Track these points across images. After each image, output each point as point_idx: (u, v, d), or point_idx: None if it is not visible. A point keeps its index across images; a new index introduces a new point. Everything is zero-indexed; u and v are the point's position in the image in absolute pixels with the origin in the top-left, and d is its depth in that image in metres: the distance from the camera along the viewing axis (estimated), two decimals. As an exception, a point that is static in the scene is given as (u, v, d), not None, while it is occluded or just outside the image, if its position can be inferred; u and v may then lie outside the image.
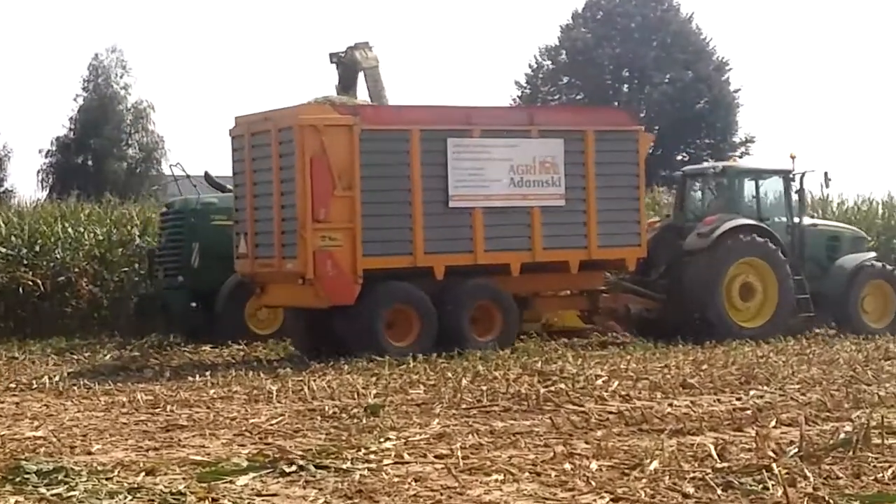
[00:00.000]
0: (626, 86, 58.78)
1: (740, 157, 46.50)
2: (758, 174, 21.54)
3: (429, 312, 17.91)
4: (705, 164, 21.57)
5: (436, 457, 9.01)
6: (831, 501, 7.19)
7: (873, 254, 22.47)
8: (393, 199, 17.90)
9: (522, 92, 60.38)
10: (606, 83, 58.67)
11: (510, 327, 18.65)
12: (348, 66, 21.63)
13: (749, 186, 21.32)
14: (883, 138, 75.67)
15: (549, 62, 60.17)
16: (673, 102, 55.20)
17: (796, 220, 21.37)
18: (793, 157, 21.44)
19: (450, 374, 14.76)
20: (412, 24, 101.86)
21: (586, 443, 9.59)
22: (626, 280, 20.28)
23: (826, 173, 21.55)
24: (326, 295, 17.46)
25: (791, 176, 21.43)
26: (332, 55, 21.74)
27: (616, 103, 57.46)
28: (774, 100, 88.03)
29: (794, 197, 21.46)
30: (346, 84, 21.57)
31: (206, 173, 23.38)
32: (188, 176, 22.76)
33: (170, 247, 21.79)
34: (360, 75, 21.51)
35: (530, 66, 60.38)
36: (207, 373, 15.64)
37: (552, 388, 13.01)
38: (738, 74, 73.79)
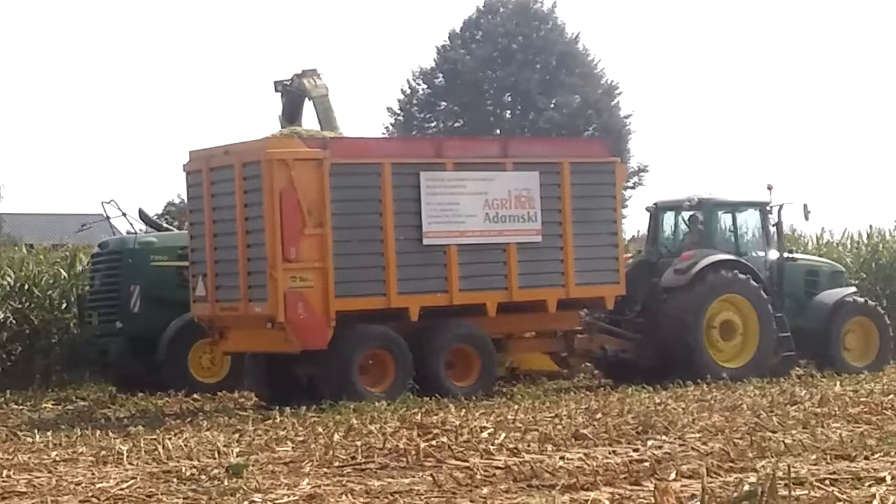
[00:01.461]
0: (508, 112, 59.34)
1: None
2: (734, 207, 22.07)
3: (404, 356, 18.31)
4: (679, 197, 22.15)
5: (306, 520, 8.94)
6: (737, 559, 7.28)
7: (853, 288, 23.22)
8: (365, 236, 18.29)
9: (396, 119, 60.58)
10: (488, 109, 59.19)
11: (489, 372, 19.07)
12: (294, 94, 21.98)
13: (725, 219, 21.93)
14: (781, 162, 77.42)
15: (424, 86, 60.46)
16: (560, 129, 55.82)
17: (775, 254, 21.90)
18: (770, 188, 22.07)
19: (320, 429, 14.68)
20: (270, 42, 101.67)
21: (471, 501, 9.59)
22: (601, 319, 20.59)
23: (805, 205, 22.10)
24: (298, 339, 17.70)
25: (769, 208, 21.98)
26: (276, 83, 22.13)
27: (498, 131, 57.98)
28: (668, 126, 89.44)
29: (772, 230, 22.05)
30: (291, 114, 21.96)
31: (140, 210, 23.49)
32: (124, 214, 22.81)
33: (105, 290, 21.70)
34: (307, 104, 21.67)
35: (403, 91, 60.63)
36: (49, 432, 15.36)
37: (433, 443, 12.99)
38: (628, 99, 74.89)
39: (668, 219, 22.35)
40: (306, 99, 21.82)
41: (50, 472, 12.09)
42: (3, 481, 11.56)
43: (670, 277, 20.74)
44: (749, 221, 22.11)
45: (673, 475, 10.45)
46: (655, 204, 22.61)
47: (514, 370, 21.27)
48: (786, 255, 22.37)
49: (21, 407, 19.62)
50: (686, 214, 22.08)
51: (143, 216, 23.52)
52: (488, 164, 19.21)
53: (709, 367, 20.18)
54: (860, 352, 22.00)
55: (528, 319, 19.71)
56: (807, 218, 22.26)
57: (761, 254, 21.82)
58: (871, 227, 30.47)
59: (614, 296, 20.01)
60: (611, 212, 20.13)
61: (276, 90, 22.15)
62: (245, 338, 18.62)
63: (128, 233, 22.72)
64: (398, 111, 60.52)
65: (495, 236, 19.07)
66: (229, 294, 18.41)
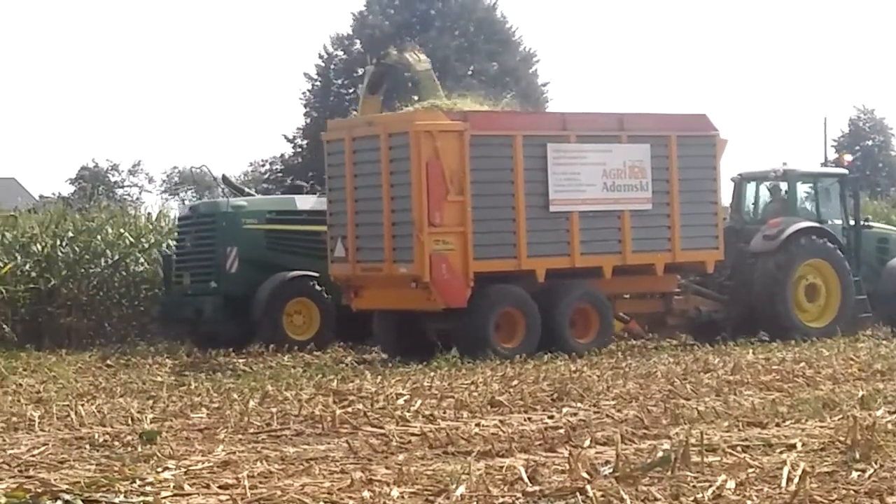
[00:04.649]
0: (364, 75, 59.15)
1: None
2: (815, 177, 23.91)
3: (534, 315, 19.66)
4: (762, 168, 23.82)
5: (220, 487, 8.91)
6: (650, 524, 7.35)
7: None
8: (499, 203, 19.67)
9: (313, 85, 60.26)
10: (406, 75, 58.98)
11: (606, 330, 20.53)
12: (385, 66, 23.56)
13: (806, 189, 23.50)
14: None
15: (341, 52, 60.16)
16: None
17: (851, 222, 23.45)
18: (845, 160, 24.04)
19: (235, 396, 14.63)
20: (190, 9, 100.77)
21: (387, 468, 9.60)
22: (693, 282, 22.15)
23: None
24: (440, 298, 19.13)
25: (846, 178, 23.71)
26: (371, 57, 23.86)
27: (416, 97, 57.81)
28: (585, 93, 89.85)
29: (849, 199, 23.62)
30: (376, 85, 23.50)
31: (224, 175, 25.07)
32: (215, 178, 23.75)
33: (198, 251, 22.71)
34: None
35: (321, 57, 60.30)
36: (-41, 399, 15.18)
37: (349, 409, 13.00)
38: (546, 67, 75.12)
39: (751, 189, 23.86)
40: (394, 71, 23.76)
41: (-40, 438, 11.95)
42: (-88, 448, 11.41)
43: (759, 243, 22.28)
44: (828, 191, 23.60)
45: (587, 442, 10.53)
46: (740, 175, 23.96)
47: None
48: (861, 223, 23.85)
49: (-70, 373, 19.32)
50: (769, 184, 23.63)
51: (226, 182, 24.86)
52: (606, 137, 20.58)
53: (796, 326, 21.81)
54: None
55: (637, 281, 21.34)
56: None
57: (839, 222, 23.35)
58: None
59: (714, 260, 21.50)
60: (712, 182, 21.56)
61: (370, 62, 23.76)
62: (381, 296, 20.08)
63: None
64: (315, 77, 60.20)
65: (611, 204, 20.47)
66: (371, 255, 19.83)
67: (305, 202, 23.53)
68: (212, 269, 22.46)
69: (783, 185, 23.53)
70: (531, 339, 19.53)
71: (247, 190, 24.21)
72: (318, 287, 22.31)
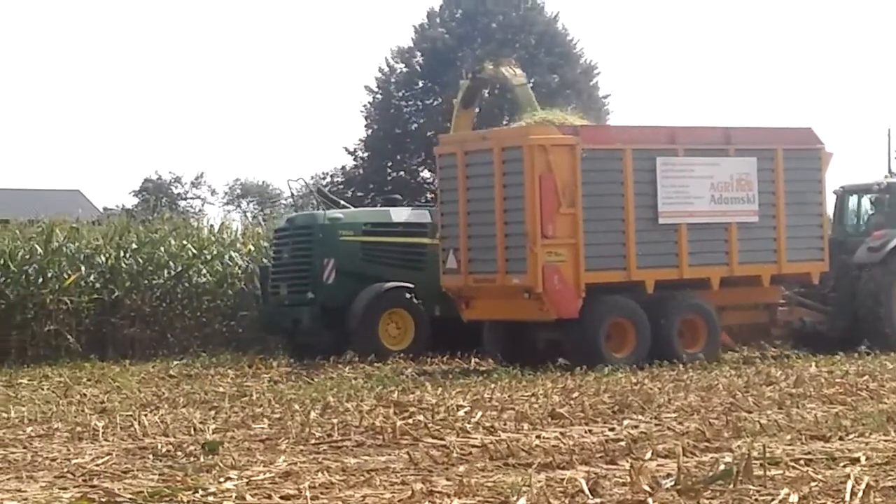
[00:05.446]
0: (486, 90, 59.15)
1: None
2: None
3: (644, 325, 20.00)
4: (865, 181, 24.14)
5: (282, 497, 8.93)
6: (712, 538, 7.30)
7: None
8: (609, 215, 20.07)
9: (374, 97, 60.42)
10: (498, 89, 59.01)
11: (714, 340, 20.72)
12: (481, 80, 24.26)
13: None
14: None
15: (402, 65, 60.29)
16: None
17: None
18: None
19: (297, 407, 14.67)
20: (251, 24, 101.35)
21: (447, 479, 9.59)
22: (797, 294, 22.42)
23: None
24: (552, 308, 19.51)
25: None
26: (467, 72, 24.50)
27: (477, 109, 57.83)
28: (646, 106, 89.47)
29: None
30: (471, 99, 24.21)
31: (319, 188, 25.26)
32: (311, 192, 24.33)
33: (295, 262, 23.23)
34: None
35: (381, 70, 60.44)
36: (24, 408, 15.32)
37: (410, 421, 13.00)
38: (607, 79, 74.91)
39: (853, 201, 24.06)
40: (489, 85, 24.77)
41: (25, 447, 12.06)
42: (-21, 456, 11.53)
43: (863, 255, 22.55)
44: None
45: (649, 454, 10.47)
46: (842, 187, 24.12)
47: None
48: None
49: (-4, 382, 19.53)
50: (873, 196, 23.74)
51: (321, 194, 25.55)
52: (714, 151, 20.95)
53: None
54: None
55: (743, 293, 21.51)
56: None
57: None
58: None
59: (819, 272, 21.76)
60: (817, 194, 21.86)
61: (465, 76, 24.23)
62: (493, 307, 20.46)
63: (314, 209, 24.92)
64: (376, 90, 60.35)
65: (719, 216, 20.81)
66: (484, 266, 20.23)
67: (400, 214, 24.04)
68: (309, 279, 22.91)
69: (886, 197, 23.51)
70: (641, 349, 19.85)
71: (342, 202, 24.65)
72: (412, 298, 22.74)
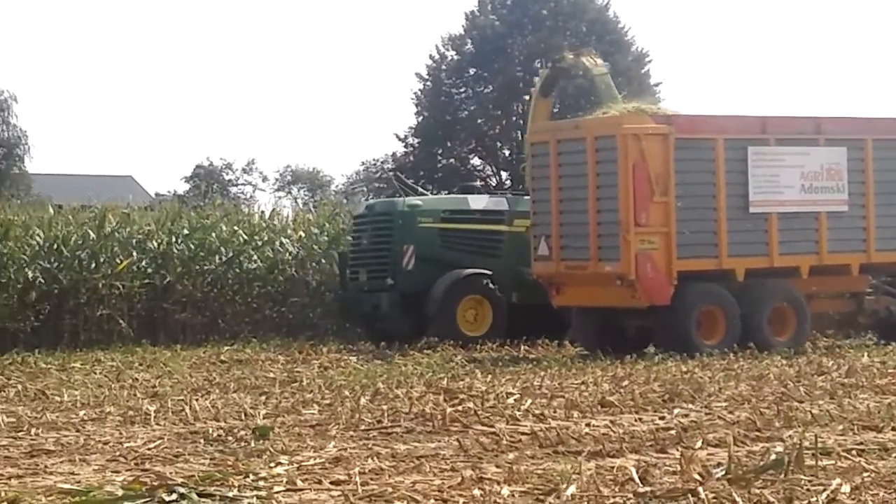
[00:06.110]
0: (537, 78, 59.03)
1: None
2: None
3: (734, 313, 20.16)
4: None
5: (332, 483, 8.96)
6: (762, 527, 7.27)
7: None
8: (701, 204, 20.26)
9: (424, 84, 60.45)
10: (517, 75, 58.95)
11: (803, 329, 20.87)
12: (559, 70, 24.40)
13: None
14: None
15: (453, 53, 60.27)
16: (588, 96, 55.53)
17: None
18: None
19: (347, 393, 14.71)
20: (303, 13, 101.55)
21: (497, 466, 9.59)
22: (884, 283, 22.38)
23: None
24: (645, 295, 19.74)
25: None
26: (546, 60, 24.60)
27: (527, 97, 57.74)
28: (697, 94, 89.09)
29: None
30: (548, 88, 24.37)
31: (397, 175, 25.57)
32: (411, 184, 25.07)
33: (374, 248, 23.54)
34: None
35: (432, 57, 60.45)
36: (77, 392, 15.44)
37: (459, 408, 13.01)
38: (658, 67, 74.58)
39: None
40: (568, 74, 24.50)
41: (78, 430, 12.16)
42: (32, 440, 11.64)
43: None
44: None
45: (699, 443, 10.44)
46: None
47: None
48: None
49: (49, 366, 19.69)
50: None
51: (400, 181, 25.71)
52: (804, 140, 21.07)
53: None
54: None
55: (831, 281, 21.67)
56: None
57: None
58: None
59: None
60: None
61: (545, 66, 24.47)
62: (584, 294, 20.68)
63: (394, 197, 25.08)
64: (426, 77, 60.37)
65: (809, 205, 20.93)
66: (576, 254, 20.51)
67: (478, 202, 24.24)
68: (388, 266, 23.17)
69: None
70: (731, 337, 19.96)
71: (420, 189, 25.00)
72: (490, 285, 22.96)
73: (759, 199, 20.55)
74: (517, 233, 23.22)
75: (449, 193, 26.93)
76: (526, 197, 23.39)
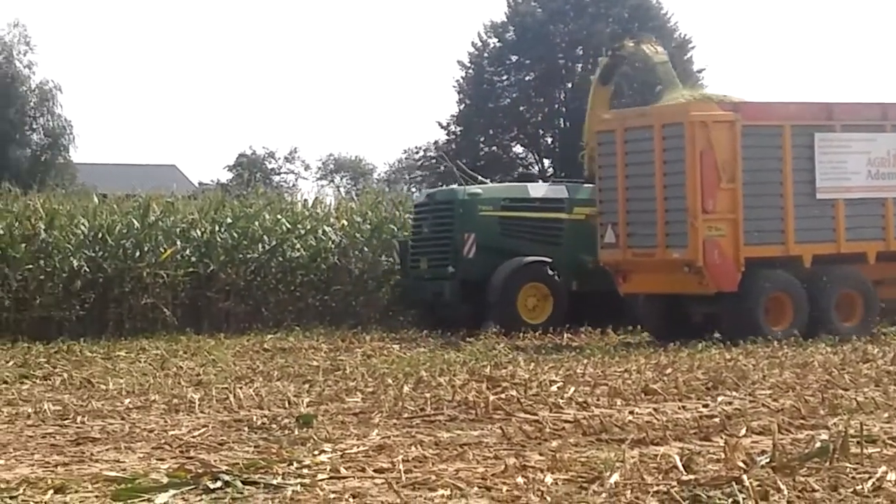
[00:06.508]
0: (580, 65, 58.96)
1: None
2: None
3: (801, 299, 20.35)
4: None
5: (375, 471, 8.98)
6: (807, 516, 7.24)
7: None
8: (768, 191, 20.40)
9: (466, 72, 60.42)
10: (559, 62, 58.87)
11: (870, 315, 21.01)
12: (619, 58, 24.77)
13: None
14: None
15: (495, 40, 60.22)
16: (631, 83, 55.38)
17: None
18: None
19: (390, 381, 14.73)
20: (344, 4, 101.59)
21: (540, 454, 9.59)
22: None
23: None
24: (713, 282, 19.94)
25: None
26: (606, 48, 25.29)
27: (569, 84, 57.67)
28: (740, 81, 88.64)
29: None
30: (608, 75, 24.70)
31: (458, 163, 27.01)
32: (456, 168, 26.04)
33: (435, 237, 23.85)
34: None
35: (474, 45, 60.42)
36: (122, 380, 15.53)
37: (502, 396, 13.01)
38: (701, 53, 74.21)
39: None
40: (627, 62, 25.03)
41: (123, 418, 12.23)
42: (78, 427, 11.71)
43: None
44: None
45: (743, 431, 10.40)
46: None
47: None
48: None
49: (95, 354, 19.80)
50: None
51: (461, 169, 26.07)
52: (870, 127, 21.21)
53: None
54: None
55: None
56: None
57: None
58: None
59: None
60: None
61: (605, 54, 24.88)
62: (651, 281, 20.92)
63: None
64: (469, 65, 60.34)
65: (875, 192, 21.11)
66: (643, 241, 20.73)
67: (538, 190, 24.49)
68: (449, 253, 23.43)
69: None
70: (798, 323, 20.10)
71: (480, 178, 25.46)
72: (551, 272, 23.12)
73: (826, 186, 20.65)
74: (576, 220, 23.55)
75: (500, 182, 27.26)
76: (585, 185, 23.68)
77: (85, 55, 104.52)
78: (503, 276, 22.87)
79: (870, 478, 8.14)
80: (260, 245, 26.28)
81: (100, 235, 24.88)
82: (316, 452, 9.68)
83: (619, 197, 20.99)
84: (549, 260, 23.26)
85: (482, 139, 60.61)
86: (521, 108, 60.34)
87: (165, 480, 8.67)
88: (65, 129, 59.01)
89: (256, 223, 26.67)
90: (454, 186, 25.04)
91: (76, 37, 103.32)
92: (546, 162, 60.26)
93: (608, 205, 21.31)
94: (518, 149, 61.93)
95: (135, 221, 25.28)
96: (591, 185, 23.36)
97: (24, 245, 24.22)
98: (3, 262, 23.94)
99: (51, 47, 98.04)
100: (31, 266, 23.99)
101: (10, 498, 8.21)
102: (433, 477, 8.62)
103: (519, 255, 23.28)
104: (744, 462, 8.60)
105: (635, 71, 25.56)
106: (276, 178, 74.32)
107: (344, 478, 8.74)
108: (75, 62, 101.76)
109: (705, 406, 12.26)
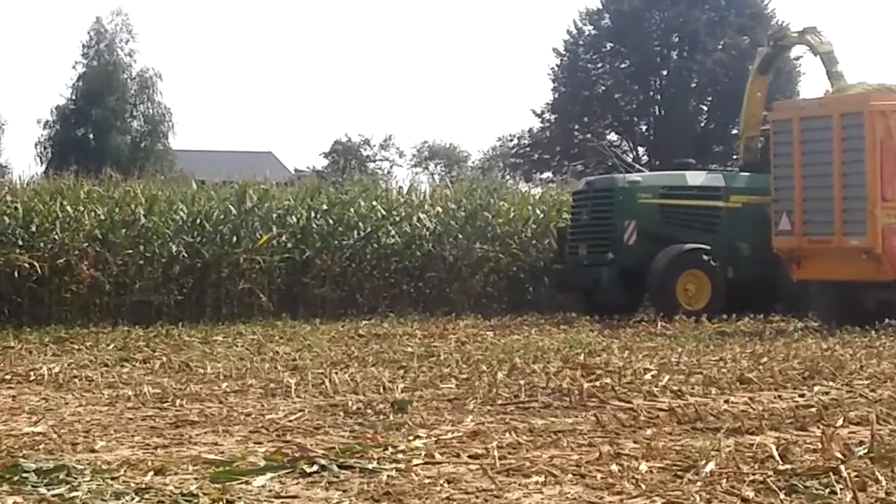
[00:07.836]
0: (675, 52, 58.61)
1: None
2: None
3: None
4: None
5: (470, 457, 8.99)
6: (906, 507, 7.15)
7: None
8: None
9: (561, 60, 60.29)
10: (654, 49, 58.55)
11: None
12: (780, 48, 25.32)
13: None
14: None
15: (590, 27, 60.05)
16: (727, 71, 55.00)
17: None
18: None
19: (484, 368, 14.74)
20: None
21: (635, 442, 9.54)
22: None
23: None
24: (892, 268, 20.28)
25: None
26: (768, 37, 25.80)
27: (664, 72, 57.28)
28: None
29: None
30: (767, 65, 25.08)
31: (615, 152, 26.18)
32: (628, 161, 25.91)
33: (594, 224, 24.17)
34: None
35: (569, 32, 60.27)
36: (219, 365, 15.68)
37: (596, 383, 12.97)
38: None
39: None
40: (788, 52, 25.64)
41: (221, 402, 12.34)
42: (177, 410, 11.84)
43: None
44: None
45: (840, 421, 10.28)
46: None
47: None
48: None
49: (192, 339, 20.02)
50: None
51: (617, 157, 26.73)
52: None
53: None
54: None
55: None
56: None
57: None
58: None
59: None
60: None
61: (767, 43, 25.31)
62: (826, 267, 21.20)
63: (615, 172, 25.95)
64: (564, 52, 60.19)
65: None
66: (820, 228, 21.05)
67: (696, 178, 24.67)
68: (609, 240, 23.75)
69: None
70: None
71: (637, 166, 25.73)
72: (709, 260, 23.40)
73: None
74: (733, 208, 23.80)
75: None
76: (741, 173, 24.14)
77: (184, 44, 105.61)
78: (663, 262, 23.19)
79: (970, 470, 8.02)
80: (355, 231, 26.41)
81: (198, 221, 25.16)
82: (411, 438, 9.70)
83: (795, 185, 21.27)
84: (708, 247, 23.53)
85: (576, 127, 60.43)
86: (616, 96, 60.09)
87: (263, 464, 8.74)
88: (164, 116, 59.73)
89: (352, 210, 26.80)
90: (613, 174, 25.37)
91: (176, 26, 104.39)
92: (641, 150, 59.95)
93: (783, 192, 21.57)
94: (613, 136, 61.68)
95: (232, 208, 25.52)
96: (745, 174, 23.96)
97: (124, 230, 24.55)
98: (104, 246, 24.27)
99: (152, 36, 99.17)
100: (130, 251, 24.32)
101: (112, 479, 8.32)
102: (527, 463, 8.61)
103: (677, 242, 23.58)
104: (841, 453, 8.50)
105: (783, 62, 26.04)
106: (371, 166, 74.70)
107: (438, 463, 8.76)
108: (175, 51, 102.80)
109: (801, 396, 12.13)
